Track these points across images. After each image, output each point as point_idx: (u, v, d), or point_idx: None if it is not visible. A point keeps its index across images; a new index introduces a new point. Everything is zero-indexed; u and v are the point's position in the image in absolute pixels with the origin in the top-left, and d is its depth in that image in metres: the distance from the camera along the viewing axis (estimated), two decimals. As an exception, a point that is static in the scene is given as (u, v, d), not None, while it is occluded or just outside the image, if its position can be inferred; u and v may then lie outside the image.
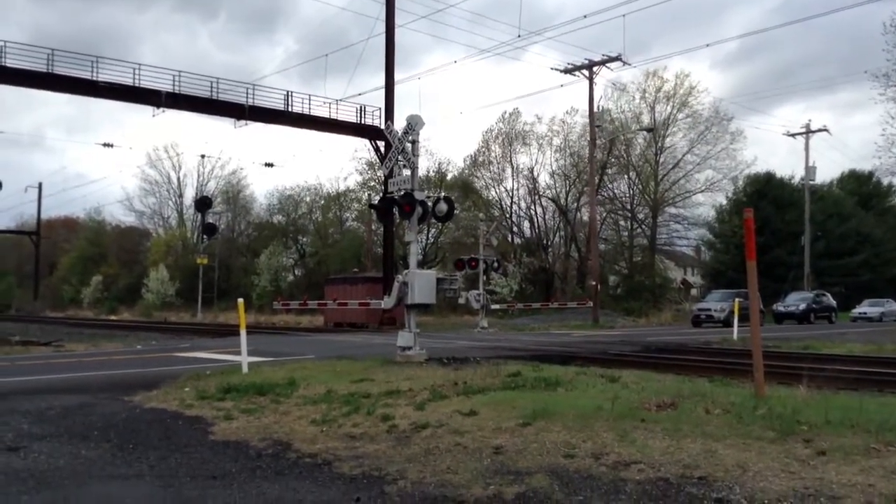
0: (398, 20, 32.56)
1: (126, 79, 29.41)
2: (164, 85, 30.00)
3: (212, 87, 31.08)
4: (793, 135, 49.90)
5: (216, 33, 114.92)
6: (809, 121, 50.09)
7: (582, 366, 11.94)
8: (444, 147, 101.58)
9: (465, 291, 26.15)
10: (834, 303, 40.82)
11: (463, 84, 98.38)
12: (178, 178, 73.71)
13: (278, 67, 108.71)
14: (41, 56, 28.21)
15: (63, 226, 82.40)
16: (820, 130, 49.54)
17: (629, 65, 36.21)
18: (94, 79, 28.79)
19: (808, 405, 6.71)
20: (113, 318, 45.57)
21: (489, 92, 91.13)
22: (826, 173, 66.98)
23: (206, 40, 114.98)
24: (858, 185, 64.29)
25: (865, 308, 42.44)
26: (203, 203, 51.17)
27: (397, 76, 32.13)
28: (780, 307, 38.28)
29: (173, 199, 74.54)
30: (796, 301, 38.84)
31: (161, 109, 30.57)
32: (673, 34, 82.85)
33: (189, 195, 72.01)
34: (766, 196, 53.40)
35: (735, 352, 16.22)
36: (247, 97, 31.60)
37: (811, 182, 50.10)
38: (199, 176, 72.39)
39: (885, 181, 55.22)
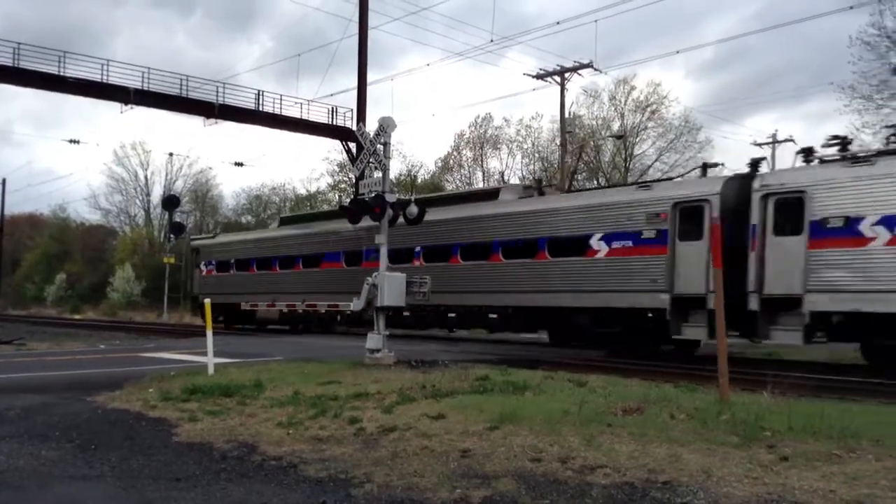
0: (373, 21, 32.54)
1: (94, 75, 28.99)
2: (133, 81, 29.61)
3: (181, 84, 30.73)
4: (760, 144, 50.57)
5: (193, 30, 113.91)
6: (776, 130, 51.02)
7: (550, 370, 11.97)
8: (417, 149, 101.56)
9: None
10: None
11: (437, 87, 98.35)
12: (146, 176, 72.70)
13: (254, 66, 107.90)
14: (6, 49, 27.69)
15: (27, 223, 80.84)
16: (786, 140, 50.26)
17: (600, 71, 36.47)
18: (62, 74, 28.33)
19: (772, 411, 6.81)
20: (77, 317, 44.81)
21: (464, 95, 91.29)
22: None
23: (183, 36, 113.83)
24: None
25: None
26: (170, 202, 50.48)
27: (372, 77, 32.14)
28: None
29: (140, 198, 73.52)
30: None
31: (129, 106, 30.16)
32: (651, 41, 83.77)
33: (156, 193, 71.08)
34: (732, 204, 53.96)
35: (700, 358, 16.38)
36: (217, 95, 31.30)
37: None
38: (166, 174, 71.46)
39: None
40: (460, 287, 20.36)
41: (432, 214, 17.41)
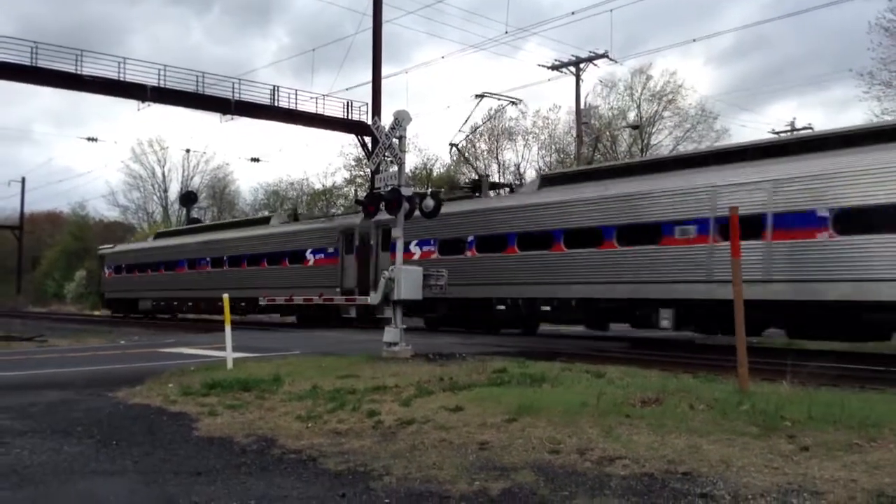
0: (388, 15, 32.54)
1: (111, 72, 29.21)
2: (150, 79, 29.81)
3: (198, 81, 30.92)
4: (777, 132, 50.20)
5: (209, 26, 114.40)
6: (794, 118, 50.50)
7: (567, 362, 11.95)
8: (432, 142, 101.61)
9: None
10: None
11: (453, 79, 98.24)
12: (163, 173, 73.31)
13: (270, 61, 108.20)
14: (25, 49, 27.95)
15: (47, 220, 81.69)
16: (804, 129, 49.85)
17: (615, 61, 36.35)
18: (79, 72, 28.54)
19: (792, 401, 6.76)
20: (96, 313, 45.18)
21: (480, 87, 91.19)
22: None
23: (200, 33, 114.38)
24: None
25: None
26: (188, 198, 50.88)
27: (387, 71, 32.17)
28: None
29: (158, 194, 74.16)
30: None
31: (146, 104, 30.36)
32: (669, 30, 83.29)
33: (174, 190, 71.69)
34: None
35: (719, 348, 16.30)
36: (233, 92, 31.45)
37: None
38: (184, 170, 72.01)
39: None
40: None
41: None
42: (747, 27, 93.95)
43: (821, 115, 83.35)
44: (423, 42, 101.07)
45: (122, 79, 29.34)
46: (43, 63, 28.15)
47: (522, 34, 78.63)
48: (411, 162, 51.23)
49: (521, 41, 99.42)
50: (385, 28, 31.93)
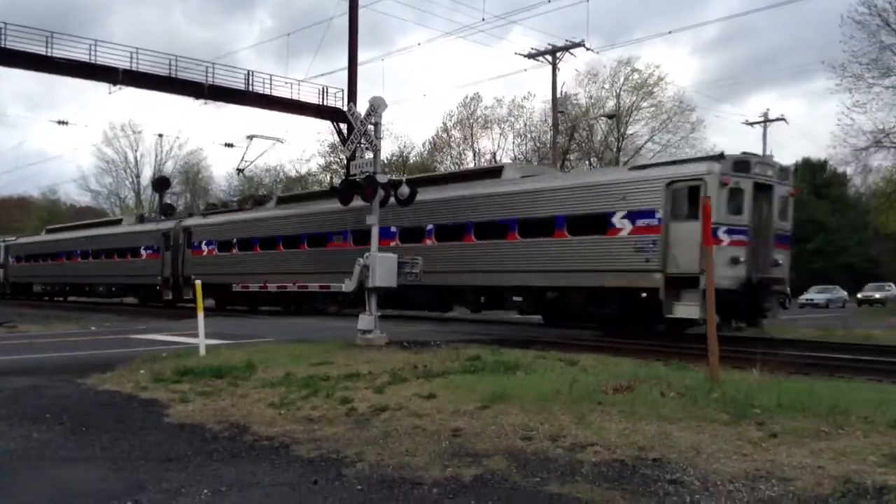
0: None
1: (82, 55, 28.69)
2: (122, 62, 29.33)
3: (170, 64, 30.45)
4: (751, 123, 50.66)
5: (191, 9, 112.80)
6: (767, 110, 50.89)
7: (541, 350, 12.01)
8: (409, 130, 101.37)
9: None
10: (787, 289, 41.61)
11: (432, 67, 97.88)
12: (136, 158, 72.45)
13: (251, 44, 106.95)
14: (-8, 29, 27.37)
15: (16, 205, 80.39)
16: (777, 120, 50.35)
17: (591, 50, 36.41)
18: (49, 54, 28.01)
19: (761, 389, 6.85)
20: (67, 299, 44.62)
21: (459, 75, 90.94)
22: (789, 161, 68.64)
23: (181, 16, 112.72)
24: (812, 173, 65.56)
25: (812, 295, 43.50)
26: (161, 183, 50.26)
27: (369, 56, 31.90)
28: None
29: (130, 179, 73.31)
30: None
31: (118, 87, 29.90)
32: (656, 19, 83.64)
33: (147, 175, 70.86)
34: (723, 183, 54.21)
35: (690, 336, 16.46)
36: (206, 76, 31.03)
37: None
38: (156, 155, 71.21)
39: (840, 170, 56.44)
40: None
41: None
42: (732, 17, 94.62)
43: (802, 106, 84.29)
44: (408, 28, 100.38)
45: (93, 61, 28.84)
46: (12, 44, 27.59)
47: (501, 22, 78.42)
48: (387, 149, 51.08)
49: (504, 31, 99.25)
50: (369, 13, 31.78)
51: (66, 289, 41.31)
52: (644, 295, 16.19)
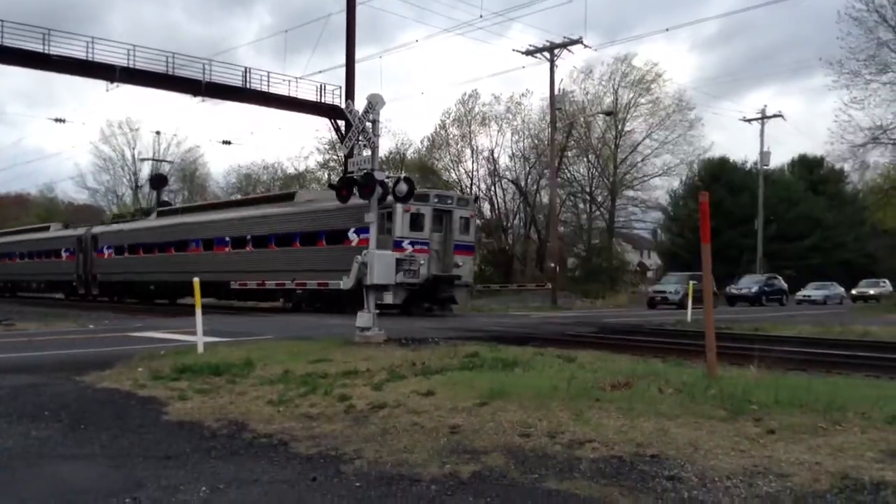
0: (359, -2, 32.20)
1: (79, 52, 28.66)
2: (120, 59, 29.31)
3: (167, 61, 30.45)
4: (748, 120, 50.68)
5: (190, 5, 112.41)
6: (765, 106, 50.97)
7: (539, 347, 12.03)
8: (407, 127, 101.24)
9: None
10: (785, 286, 41.81)
11: (432, 64, 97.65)
12: (133, 155, 72.22)
13: (250, 41, 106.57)
14: (-10, 27, 27.31)
15: (14, 203, 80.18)
16: (775, 116, 50.36)
17: (589, 47, 36.37)
18: (46, 52, 27.97)
19: (759, 385, 6.86)
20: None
21: (458, 72, 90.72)
22: (787, 158, 68.77)
23: (180, 12, 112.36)
24: (808, 170, 65.64)
25: (810, 291, 43.57)
26: (158, 181, 50.20)
27: (368, 52, 31.86)
28: (733, 290, 39.09)
29: (128, 177, 73.09)
30: (749, 284, 39.69)
31: (115, 84, 29.88)
32: (657, 15, 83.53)
33: (144, 172, 70.69)
34: (719, 180, 54.45)
35: (688, 333, 16.50)
36: (204, 73, 31.04)
37: (765, 167, 50.98)
38: (154, 153, 70.98)
39: (837, 166, 56.56)
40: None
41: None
42: (731, 14, 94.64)
43: (801, 103, 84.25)
44: (407, 25, 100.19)
45: (90, 59, 28.80)
46: (9, 42, 27.55)
47: (499, 19, 78.27)
48: (385, 146, 51.05)
49: (503, 28, 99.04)
50: (368, 10, 31.80)
51: (8, 285, 47.02)
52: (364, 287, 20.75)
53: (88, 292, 37.78)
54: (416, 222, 22.79)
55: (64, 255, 39.86)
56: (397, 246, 21.48)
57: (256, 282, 27.80)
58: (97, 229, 38.44)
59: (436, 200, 23.61)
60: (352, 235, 23.54)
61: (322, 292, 24.73)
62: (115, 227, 38.08)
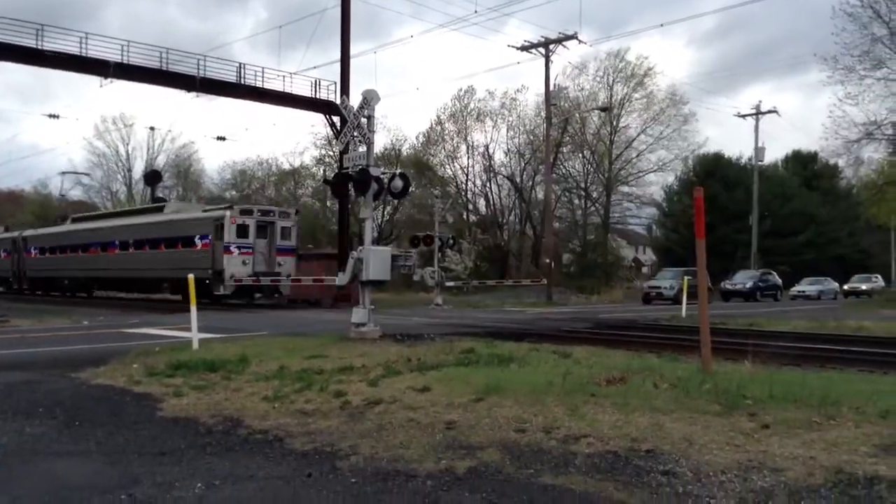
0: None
1: (73, 48, 28.49)
2: (113, 55, 29.13)
3: (162, 57, 30.28)
4: (743, 116, 50.72)
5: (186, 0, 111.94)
6: (759, 102, 50.85)
7: (535, 342, 12.04)
8: (403, 123, 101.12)
9: (419, 268, 26.18)
10: (779, 281, 41.90)
11: (428, 59, 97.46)
12: (127, 151, 71.95)
13: (246, 36, 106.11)
14: (-19, 23, 27.12)
15: (7, 199, 79.82)
16: (769, 112, 50.42)
17: (584, 43, 36.38)
18: (39, 47, 27.82)
19: (753, 380, 6.88)
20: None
21: (454, 68, 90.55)
22: (782, 153, 68.93)
23: (175, 6, 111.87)
24: (802, 165, 65.77)
25: (804, 286, 43.66)
26: (153, 177, 50.07)
27: (362, 48, 32.10)
28: (727, 285, 39.17)
29: (122, 173, 72.81)
30: (743, 279, 39.77)
31: (109, 80, 29.71)
32: (653, 10, 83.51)
33: (138, 168, 70.44)
34: (714, 175, 54.58)
35: (683, 328, 16.53)
36: (198, 68, 30.87)
37: (759, 163, 51.08)
38: (148, 149, 70.75)
39: (831, 162, 56.65)
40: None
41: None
42: (728, 9, 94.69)
43: (797, 98, 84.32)
44: (404, 21, 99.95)
45: (84, 54, 28.65)
46: (2, 37, 27.36)
47: (494, 15, 78.13)
48: (380, 142, 50.97)
49: (499, 24, 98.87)
50: (365, 6, 31.75)
51: None
52: (207, 281, 27.32)
53: (21, 287, 42.86)
54: (242, 231, 28.88)
55: (2, 254, 45.19)
56: (226, 249, 28.31)
57: (138, 276, 34.34)
58: (27, 232, 43.80)
59: (259, 214, 30.07)
60: (197, 241, 29.78)
61: (182, 283, 28.36)
62: (40, 230, 43.41)
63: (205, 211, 32.35)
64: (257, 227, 29.30)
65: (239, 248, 28.71)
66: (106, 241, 35.83)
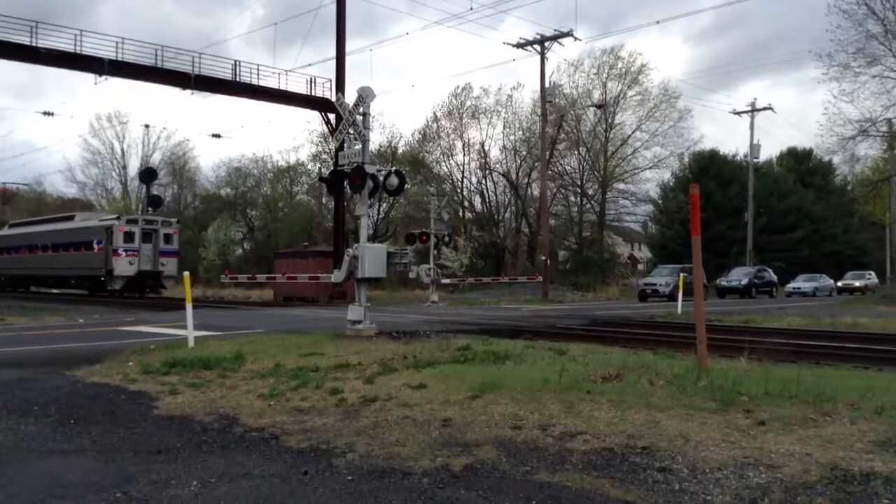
0: (349, -10, 32.06)
1: (68, 45, 28.42)
2: (108, 52, 29.08)
3: (156, 54, 30.23)
4: (738, 113, 50.80)
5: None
6: (755, 99, 51.07)
7: (531, 339, 12.05)
8: (399, 120, 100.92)
9: (415, 266, 26.18)
10: (775, 278, 41.99)
11: (425, 56, 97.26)
12: (122, 149, 71.82)
13: (242, 33, 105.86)
14: (-26, 20, 27.02)
15: (1, 197, 79.58)
16: (764, 109, 50.52)
17: (579, 40, 36.42)
18: (33, 44, 27.74)
19: (749, 377, 6.89)
20: (55, 291, 44.45)
21: (450, 64, 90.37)
22: (778, 150, 69.10)
23: (171, 2, 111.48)
24: (797, 162, 65.90)
25: (800, 283, 43.76)
26: (148, 174, 49.85)
27: (358, 45, 31.99)
28: (723, 282, 39.23)
29: (117, 171, 72.67)
30: (739, 276, 39.84)
31: (104, 77, 29.64)
32: (649, 7, 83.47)
33: (133, 166, 70.33)
34: (709, 172, 54.62)
35: (679, 325, 16.56)
36: (193, 66, 30.83)
37: (755, 160, 51.16)
38: (143, 146, 70.64)
39: (826, 159, 56.73)
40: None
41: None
42: (726, 5, 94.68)
43: (794, 95, 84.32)
44: (401, 18, 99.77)
45: (78, 52, 28.58)
46: (-4, 35, 27.29)
47: (490, 12, 78.15)
48: (376, 140, 50.93)
49: (496, 21, 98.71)
50: (359, 2, 31.59)
51: None
52: (102, 278, 35.99)
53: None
54: (128, 237, 35.77)
55: None
56: (115, 252, 35.33)
57: (55, 274, 41.03)
58: None
59: (144, 223, 36.92)
60: (95, 245, 36.75)
61: (85, 279, 38.67)
62: None
63: (101, 220, 39.05)
64: (142, 233, 36.18)
65: (126, 251, 35.66)
66: (33, 244, 42.85)
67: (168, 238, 37.08)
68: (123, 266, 35.37)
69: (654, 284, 34.77)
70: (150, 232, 36.22)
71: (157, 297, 36.12)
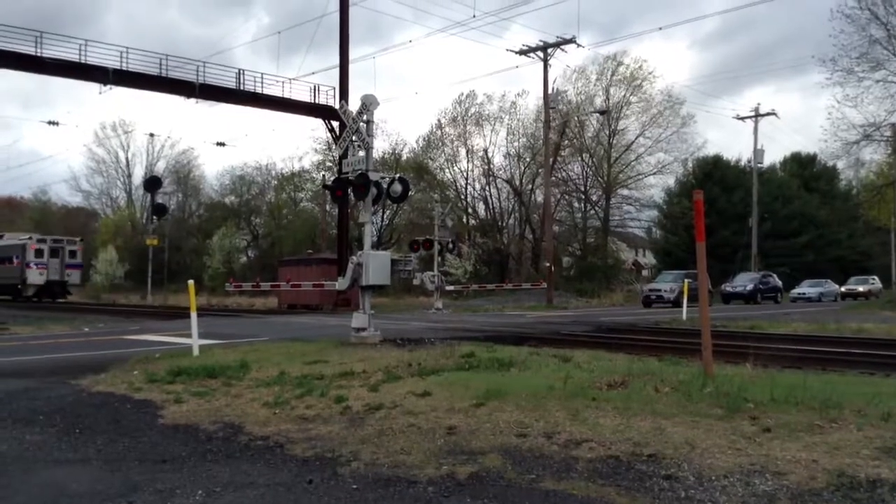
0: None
1: (72, 54, 28.56)
2: (113, 61, 29.22)
3: (161, 63, 30.36)
4: (742, 118, 50.77)
5: (187, 3, 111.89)
6: (758, 104, 50.89)
7: (535, 346, 12.04)
8: (402, 127, 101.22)
9: (419, 273, 26.18)
10: (780, 283, 41.90)
11: (427, 63, 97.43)
12: (127, 158, 72.07)
13: (247, 41, 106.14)
14: (-20, 30, 27.18)
15: (6, 206, 79.84)
16: (768, 114, 50.47)
17: (583, 47, 36.46)
18: (38, 54, 27.89)
19: (755, 383, 6.87)
20: (60, 300, 44.59)
21: (453, 72, 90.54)
22: (782, 155, 69.07)
23: (176, 11, 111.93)
24: (801, 167, 65.83)
25: (805, 289, 43.65)
26: (152, 183, 50.00)
27: (361, 53, 32.08)
28: (727, 287, 39.17)
29: (122, 179, 72.92)
30: (744, 281, 39.78)
31: (108, 87, 29.78)
32: (653, 14, 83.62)
33: (138, 175, 70.54)
34: (713, 178, 54.59)
35: (684, 331, 16.52)
36: (197, 75, 30.96)
37: (759, 165, 51.12)
38: (148, 155, 70.87)
39: (830, 164, 56.60)
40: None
41: None
42: (731, 11, 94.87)
43: (799, 101, 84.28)
44: (405, 25, 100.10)
45: (83, 61, 28.71)
46: (2, 45, 27.44)
47: (493, 19, 78.24)
48: (380, 147, 51.00)
49: (499, 28, 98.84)
50: (365, 11, 31.74)
51: None
52: (19, 286, 43.69)
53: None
54: (39, 253, 44.35)
55: None
56: (28, 265, 43.69)
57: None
58: None
59: (52, 241, 45.67)
60: (14, 260, 44.67)
61: (6, 287, 45.64)
62: None
63: (20, 239, 46.89)
64: (51, 250, 44.99)
65: (36, 264, 44.42)
66: None
67: (73, 254, 46.06)
68: (35, 277, 44.16)
69: (659, 290, 34.73)
70: (57, 249, 45.21)
71: (160, 306, 35.98)
